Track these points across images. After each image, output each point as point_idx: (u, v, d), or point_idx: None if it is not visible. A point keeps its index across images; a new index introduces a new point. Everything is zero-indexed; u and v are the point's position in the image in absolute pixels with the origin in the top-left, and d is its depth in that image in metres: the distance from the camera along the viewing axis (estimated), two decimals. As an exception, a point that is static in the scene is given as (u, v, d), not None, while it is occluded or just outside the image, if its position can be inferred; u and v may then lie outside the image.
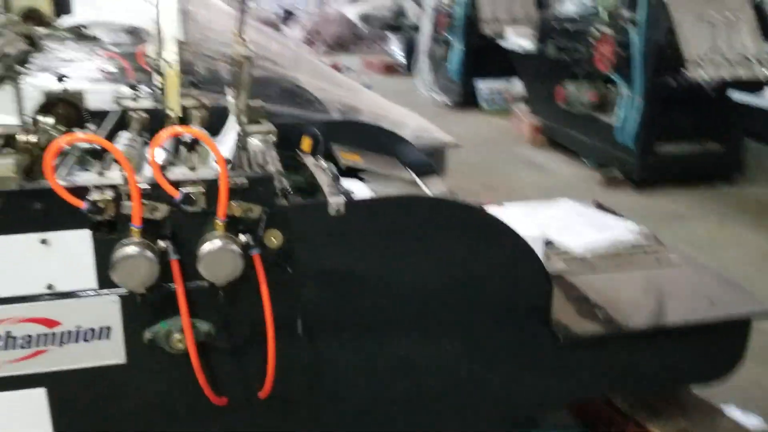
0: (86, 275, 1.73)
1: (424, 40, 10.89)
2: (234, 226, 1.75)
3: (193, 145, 1.80)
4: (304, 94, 3.93)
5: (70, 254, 1.70)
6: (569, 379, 2.23)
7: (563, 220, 3.03)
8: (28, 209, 1.65)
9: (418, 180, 2.83)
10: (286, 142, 2.48)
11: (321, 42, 14.79)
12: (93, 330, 1.77)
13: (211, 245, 1.69)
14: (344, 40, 14.82)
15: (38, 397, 1.80)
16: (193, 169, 1.75)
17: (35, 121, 2.02)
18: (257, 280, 1.78)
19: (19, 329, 1.72)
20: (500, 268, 2.06)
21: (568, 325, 2.18)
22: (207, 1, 5.08)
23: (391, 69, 12.69)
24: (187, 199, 1.69)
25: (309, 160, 2.25)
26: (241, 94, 1.96)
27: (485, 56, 9.39)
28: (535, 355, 2.16)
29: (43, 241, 1.68)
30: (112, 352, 1.80)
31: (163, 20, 2.28)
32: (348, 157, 2.64)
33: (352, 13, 14.12)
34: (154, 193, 1.69)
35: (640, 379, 2.35)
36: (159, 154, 1.78)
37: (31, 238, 1.67)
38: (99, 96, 2.69)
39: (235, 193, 1.72)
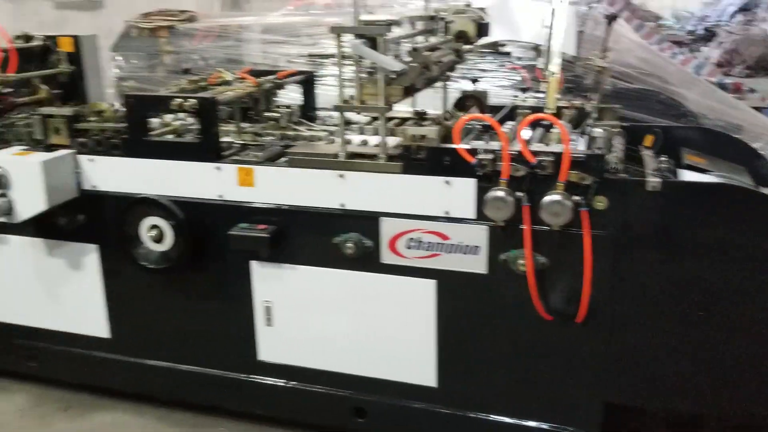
0: (469, 209, 2.60)
1: None
2: (571, 188, 2.44)
3: (549, 128, 2.53)
4: (679, 107, 4.34)
5: (461, 193, 2.60)
6: None
7: None
8: (441, 160, 2.59)
9: (761, 189, 3.10)
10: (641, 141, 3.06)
11: (740, 62, 14.02)
12: (468, 246, 2.65)
13: (551, 198, 2.42)
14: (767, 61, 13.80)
15: (430, 285, 2.74)
16: (547, 144, 2.50)
17: (449, 110, 3.00)
18: (583, 231, 2.44)
19: (425, 237, 2.69)
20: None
21: None
22: (618, 29, 5.70)
23: (817, 93, 11.52)
24: (540, 165, 2.44)
25: (645, 153, 2.79)
26: (594, 96, 2.62)
27: None
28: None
29: (447, 182, 2.60)
30: (478, 265, 2.65)
31: (552, 40, 3.03)
32: (692, 158, 3.08)
33: (780, 32, 13.05)
34: (519, 158, 2.48)
35: None
36: (526, 133, 2.57)
37: (440, 180, 2.61)
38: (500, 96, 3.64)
39: (574, 164, 2.41)
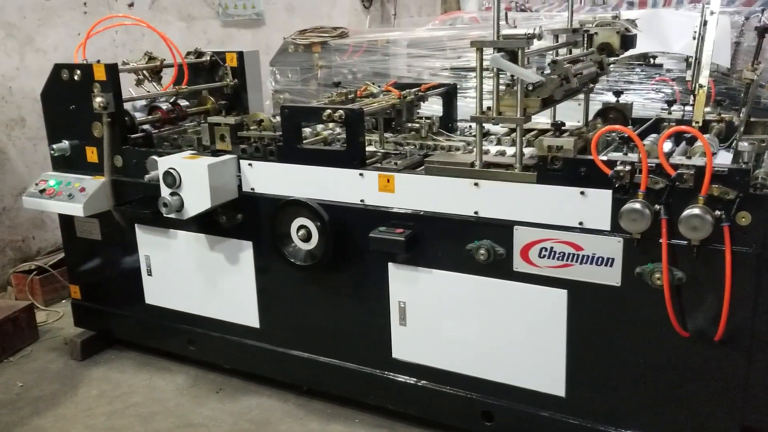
0: (600, 220, 2.61)
1: None
2: (713, 203, 2.39)
3: (692, 141, 2.48)
4: None
5: (596, 204, 2.61)
6: None
7: None
8: (577, 171, 2.62)
9: None
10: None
11: None
12: (602, 258, 2.64)
13: (690, 211, 2.37)
14: None
15: (561, 295, 2.77)
16: (689, 157, 2.46)
17: (589, 122, 3.01)
18: (725, 247, 2.38)
19: (557, 247, 2.72)
20: None
21: None
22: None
23: None
24: (679, 177, 2.41)
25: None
26: (743, 108, 2.54)
27: None
28: None
29: (582, 193, 2.62)
30: (612, 277, 2.64)
31: (702, 51, 2.96)
32: None
33: None
34: (658, 170, 2.45)
35: None
36: (668, 146, 2.54)
37: (575, 190, 2.63)
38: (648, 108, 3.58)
39: (716, 178, 2.36)
